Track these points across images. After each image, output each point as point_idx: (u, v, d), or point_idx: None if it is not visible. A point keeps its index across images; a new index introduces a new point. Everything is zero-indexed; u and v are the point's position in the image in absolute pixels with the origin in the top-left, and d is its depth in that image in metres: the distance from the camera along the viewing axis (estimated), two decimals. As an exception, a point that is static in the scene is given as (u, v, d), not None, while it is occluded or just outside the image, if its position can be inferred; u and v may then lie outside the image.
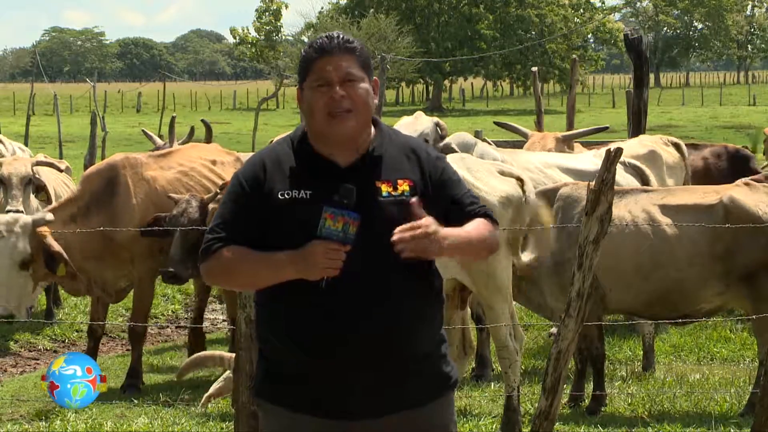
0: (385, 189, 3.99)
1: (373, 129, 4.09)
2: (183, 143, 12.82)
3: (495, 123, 15.08)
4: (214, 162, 9.95)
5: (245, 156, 12.21)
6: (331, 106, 3.98)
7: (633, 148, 10.91)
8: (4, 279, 8.59)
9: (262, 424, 4.18)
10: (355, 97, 3.99)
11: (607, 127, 13.81)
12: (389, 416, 3.99)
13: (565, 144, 12.25)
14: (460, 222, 4.06)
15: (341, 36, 4.05)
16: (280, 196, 3.96)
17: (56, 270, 8.67)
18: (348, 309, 3.92)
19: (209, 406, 8.43)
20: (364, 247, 3.88)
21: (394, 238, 3.83)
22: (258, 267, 3.95)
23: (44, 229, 8.65)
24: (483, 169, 7.98)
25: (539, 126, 16.63)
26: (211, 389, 8.12)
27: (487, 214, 4.14)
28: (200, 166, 9.82)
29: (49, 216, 8.81)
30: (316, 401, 3.97)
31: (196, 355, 6.88)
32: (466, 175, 7.70)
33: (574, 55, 21.37)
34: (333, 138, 4.00)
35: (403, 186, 4.00)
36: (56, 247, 8.67)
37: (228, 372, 7.35)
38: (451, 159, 8.09)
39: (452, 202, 4.10)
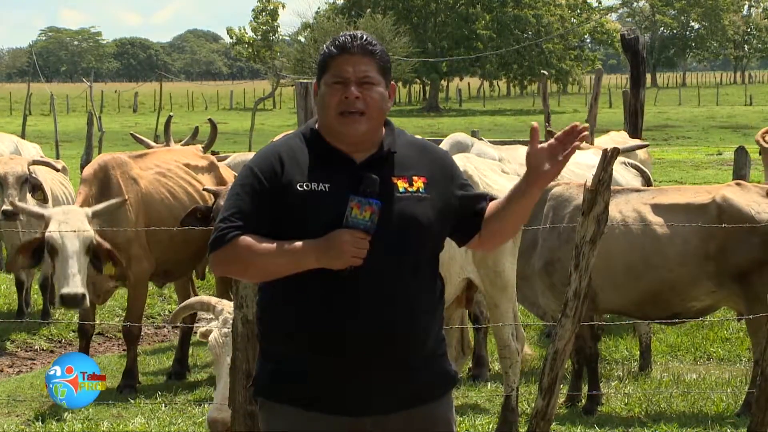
0: (401, 185, 4.01)
1: (383, 127, 4.11)
2: (186, 143, 12.82)
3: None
4: (188, 165, 10.00)
5: (240, 157, 12.22)
6: (344, 106, 3.99)
7: (609, 145, 10.93)
8: (82, 264, 8.53)
9: (266, 424, 4.15)
10: (370, 100, 4.00)
11: (647, 144, 13.72)
12: (398, 413, 4.01)
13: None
14: (472, 215, 4.12)
15: (364, 37, 4.05)
16: (299, 187, 3.96)
17: (102, 269, 8.67)
18: (363, 306, 3.93)
19: (206, 407, 8.42)
20: (380, 243, 3.90)
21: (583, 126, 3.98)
22: (277, 256, 3.94)
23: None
24: (488, 169, 8.02)
25: (548, 126, 16.56)
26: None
27: (494, 198, 4.22)
28: (176, 167, 9.88)
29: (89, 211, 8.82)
30: (326, 399, 3.98)
31: (186, 301, 6.80)
32: (474, 173, 7.73)
33: (598, 66, 21.20)
34: (344, 136, 4.01)
35: (418, 183, 4.03)
36: (106, 244, 8.69)
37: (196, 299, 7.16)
38: (457, 159, 8.12)
39: (463, 197, 4.14)
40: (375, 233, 3.88)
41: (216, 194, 9.26)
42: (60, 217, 8.66)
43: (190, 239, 9.48)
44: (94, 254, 8.65)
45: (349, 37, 4.04)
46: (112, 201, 9.16)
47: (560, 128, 11.90)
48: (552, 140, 4.01)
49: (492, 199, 4.21)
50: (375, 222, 3.87)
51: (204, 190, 9.69)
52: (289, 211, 3.97)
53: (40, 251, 8.69)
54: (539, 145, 4.02)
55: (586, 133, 4.03)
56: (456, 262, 7.45)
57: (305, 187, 3.97)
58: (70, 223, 8.58)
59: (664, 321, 8.76)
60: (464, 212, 4.13)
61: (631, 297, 8.45)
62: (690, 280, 8.31)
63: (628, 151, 13.36)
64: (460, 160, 7.90)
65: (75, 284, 8.37)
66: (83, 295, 8.39)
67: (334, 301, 3.94)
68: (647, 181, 10.23)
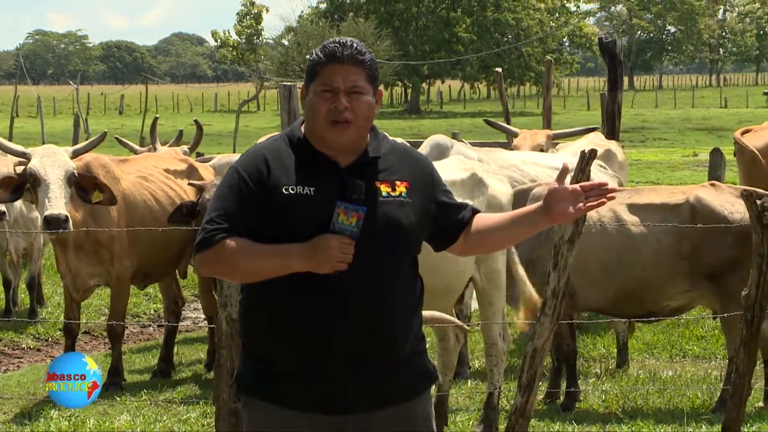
0: (384, 189, 4.02)
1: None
2: (171, 146, 12.80)
3: (485, 121, 15.12)
4: (167, 170, 10.04)
5: (225, 158, 12.20)
6: (333, 115, 3.98)
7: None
8: (64, 192, 8.58)
9: (249, 422, 4.15)
10: (358, 109, 4.00)
11: (595, 128, 13.82)
12: (380, 411, 4.02)
13: (552, 141, 12.31)
14: (452, 222, 4.16)
15: (354, 45, 4.03)
16: (284, 190, 3.96)
17: (91, 198, 8.76)
18: (348, 308, 3.93)
19: (190, 405, 8.41)
20: (364, 247, 3.91)
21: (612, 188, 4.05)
22: (264, 258, 3.94)
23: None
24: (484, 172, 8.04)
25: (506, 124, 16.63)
26: None
27: (478, 210, 4.25)
28: (156, 172, 9.93)
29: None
30: (310, 398, 3.98)
31: None
32: (469, 178, 7.73)
33: (548, 57, 21.40)
34: (331, 144, 4.01)
35: (401, 188, 4.04)
36: (89, 174, 8.87)
37: None
38: (455, 161, 8.13)
39: (443, 203, 4.17)
40: (359, 237, 3.89)
41: (201, 188, 9.28)
42: (41, 152, 8.83)
43: (171, 241, 9.47)
44: (80, 186, 8.75)
45: (339, 45, 4.02)
46: (93, 139, 9.49)
47: (537, 128, 11.77)
48: (577, 186, 4.03)
49: (476, 210, 4.24)
50: (360, 227, 3.88)
51: (189, 184, 9.73)
52: (275, 214, 3.97)
53: (22, 186, 8.74)
54: (564, 186, 4.04)
55: (613, 195, 4.06)
56: (465, 261, 7.44)
57: (291, 191, 3.96)
58: (51, 157, 8.72)
59: (639, 319, 8.79)
60: (442, 219, 4.15)
61: (608, 295, 8.47)
62: (664, 279, 8.33)
63: (565, 136, 13.48)
64: (457, 165, 7.92)
65: (58, 206, 8.45)
66: (66, 217, 8.43)
67: (319, 303, 3.94)
68: (620, 185, 10.26)
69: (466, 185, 7.58)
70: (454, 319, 6.30)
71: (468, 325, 6.34)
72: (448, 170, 7.48)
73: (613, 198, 4.07)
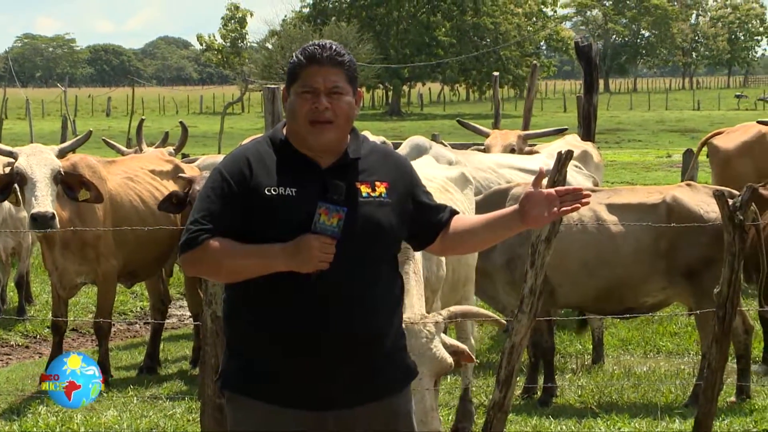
0: (364, 190, 4.01)
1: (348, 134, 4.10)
2: (157, 147, 12.76)
3: (458, 121, 15.14)
4: (153, 171, 10.02)
5: (210, 159, 12.18)
6: (313, 115, 3.97)
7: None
8: (51, 189, 8.53)
9: (232, 417, 4.14)
10: (338, 110, 3.99)
11: (566, 129, 13.85)
12: (361, 406, 4.01)
13: (525, 142, 12.31)
14: (431, 222, 4.16)
15: (333, 47, 4.02)
16: (267, 192, 3.95)
17: (78, 196, 8.70)
18: (329, 307, 3.93)
19: (176, 400, 8.39)
20: (345, 246, 3.89)
21: (586, 194, 4.03)
22: (247, 258, 3.93)
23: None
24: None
25: (496, 127, 16.70)
26: None
27: (457, 212, 4.25)
28: (142, 173, 9.90)
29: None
30: (292, 394, 3.97)
31: None
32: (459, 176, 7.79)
33: (534, 62, 21.47)
34: (312, 144, 4.00)
35: (381, 188, 4.04)
36: (76, 172, 8.82)
37: None
38: (449, 166, 8.17)
39: (422, 204, 4.17)
40: (340, 237, 3.88)
41: (191, 180, 9.27)
42: (28, 151, 8.78)
43: (157, 241, 9.45)
44: (67, 185, 8.70)
45: (318, 48, 4.01)
46: (79, 138, 9.57)
47: (516, 129, 11.71)
48: (552, 191, 4.01)
49: (455, 211, 4.24)
50: (341, 227, 3.87)
51: (178, 177, 9.71)
52: (257, 215, 3.96)
53: (9, 186, 8.69)
54: (539, 190, 4.03)
55: (587, 201, 4.04)
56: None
57: (273, 192, 3.96)
58: (38, 156, 8.68)
59: (618, 315, 8.80)
60: (422, 219, 4.15)
61: (588, 293, 8.48)
62: (643, 276, 8.36)
63: (535, 137, 13.52)
64: (447, 168, 7.96)
65: (45, 204, 8.40)
66: (53, 215, 8.38)
67: (302, 302, 3.93)
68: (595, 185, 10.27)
69: (458, 182, 7.64)
70: (489, 313, 6.29)
71: (506, 319, 6.37)
72: (440, 169, 7.64)
73: (587, 203, 4.06)
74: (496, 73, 20.62)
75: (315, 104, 3.97)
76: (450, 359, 5.21)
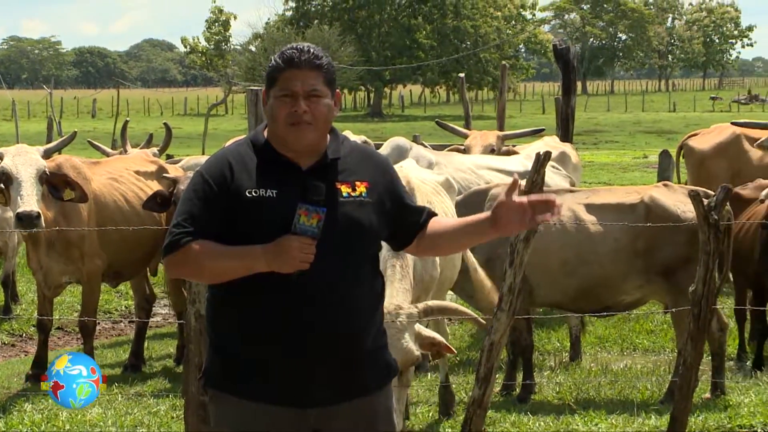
0: (344, 190, 4.00)
1: (328, 134, 4.09)
2: (141, 148, 12.73)
3: (436, 123, 15.16)
4: (138, 172, 9.99)
5: (193, 160, 12.15)
6: (292, 117, 3.97)
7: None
8: (36, 189, 8.49)
9: (216, 414, 4.14)
10: (317, 112, 3.98)
11: (543, 129, 13.88)
12: (343, 404, 4.01)
13: (503, 142, 12.33)
14: (410, 223, 4.16)
15: (311, 50, 4.01)
16: (248, 193, 3.95)
17: (63, 195, 8.67)
18: (310, 306, 3.92)
19: (160, 398, 8.37)
20: (325, 246, 3.89)
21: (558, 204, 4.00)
22: (229, 260, 3.93)
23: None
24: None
25: (467, 127, 16.69)
26: None
27: (435, 214, 4.24)
28: (127, 174, 9.87)
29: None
30: (274, 392, 3.97)
31: None
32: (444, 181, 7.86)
33: (504, 62, 21.52)
34: (292, 146, 4.00)
35: (361, 188, 4.03)
36: (61, 172, 8.78)
37: None
38: (435, 172, 8.20)
39: (402, 204, 4.16)
40: (320, 237, 3.87)
41: (175, 180, 9.23)
42: (13, 151, 8.75)
43: (141, 240, 9.42)
44: (52, 185, 8.66)
45: (296, 51, 4.00)
46: (64, 138, 9.58)
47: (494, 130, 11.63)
48: (525, 201, 3.97)
49: (433, 213, 4.23)
50: (321, 228, 3.86)
51: (163, 177, 9.68)
52: (239, 216, 3.96)
53: None
54: (513, 199, 3.99)
55: (558, 209, 4.01)
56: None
57: (254, 194, 3.95)
58: (23, 156, 8.64)
59: (596, 314, 8.82)
60: (401, 220, 4.15)
61: (567, 292, 8.49)
62: (621, 275, 8.37)
63: (513, 137, 13.57)
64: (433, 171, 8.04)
65: (30, 203, 8.36)
66: (38, 214, 8.34)
67: (282, 302, 3.93)
68: (572, 185, 10.29)
69: (445, 187, 7.68)
70: (467, 310, 6.30)
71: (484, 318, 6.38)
72: (430, 173, 7.76)
73: (559, 214, 4.06)
74: (461, 75, 20.68)
75: (294, 108, 3.96)
76: (417, 352, 5.22)
